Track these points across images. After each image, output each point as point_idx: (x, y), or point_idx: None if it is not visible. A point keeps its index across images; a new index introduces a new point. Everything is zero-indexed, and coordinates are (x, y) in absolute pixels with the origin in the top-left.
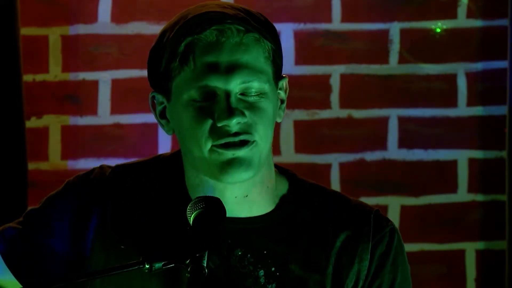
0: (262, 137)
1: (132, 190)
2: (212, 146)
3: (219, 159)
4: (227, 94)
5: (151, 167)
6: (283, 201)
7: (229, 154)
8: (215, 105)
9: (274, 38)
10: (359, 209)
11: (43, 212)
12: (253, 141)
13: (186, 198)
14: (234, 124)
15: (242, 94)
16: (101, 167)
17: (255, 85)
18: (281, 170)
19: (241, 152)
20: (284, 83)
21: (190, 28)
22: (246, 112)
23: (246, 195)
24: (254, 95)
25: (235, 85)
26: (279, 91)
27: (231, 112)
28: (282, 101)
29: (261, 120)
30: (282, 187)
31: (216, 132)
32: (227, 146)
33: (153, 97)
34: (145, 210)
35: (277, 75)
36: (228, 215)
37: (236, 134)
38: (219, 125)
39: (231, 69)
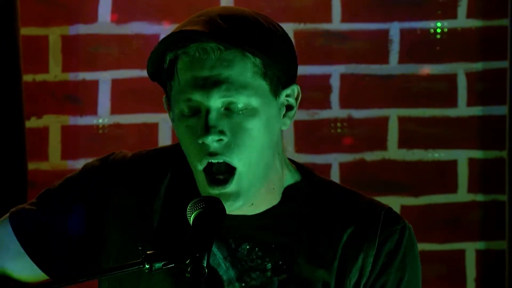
0: (246, 163)
1: (149, 179)
2: (201, 170)
3: (206, 192)
4: (207, 110)
5: (169, 157)
6: (290, 195)
7: (215, 191)
8: (198, 120)
9: (267, 49)
10: (369, 205)
11: (60, 194)
12: (234, 170)
13: (197, 193)
14: (210, 141)
15: (227, 109)
16: (121, 152)
17: (239, 99)
18: (297, 166)
19: (226, 189)
20: (294, 90)
21: (170, 43)
22: (228, 132)
23: (251, 204)
24: (240, 111)
25: (215, 100)
26: (287, 98)
27: (207, 130)
28: (290, 108)
29: (244, 142)
30: (291, 182)
31: (198, 150)
32: (212, 181)
33: (166, 101)
34: (160, 201)
35: (278, 85)
36: (235, 213)
37: (213, 154)
38: (199, 141)
39: (211, 85)
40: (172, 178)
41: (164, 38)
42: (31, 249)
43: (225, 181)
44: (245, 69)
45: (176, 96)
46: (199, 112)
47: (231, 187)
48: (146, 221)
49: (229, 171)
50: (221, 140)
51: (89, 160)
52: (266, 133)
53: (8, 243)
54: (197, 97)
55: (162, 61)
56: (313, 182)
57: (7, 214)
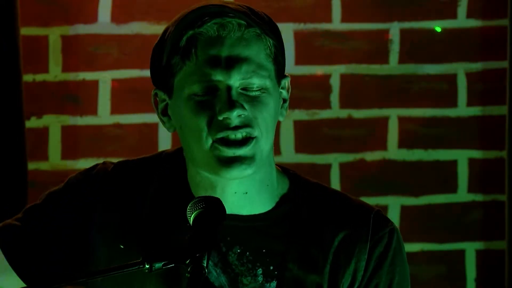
0: (263, 132)
1: (134, 187)
2: (213, 142)
3: (220, 155)
4: (228, 88)
5: (154, 164)
6: (283, 199)
7: (230, 152)
8: (216, 98)
9: (276, 36)
10: (359, 208)
11: (44, 209)
12: (254, 138)
13: (189, 195)
14: (235, 116)
15: (244, 89)
16: (104, 163)
17: (256, 80)
18: (283, 169)
19: (241, 151)
20: (286, 82)
21: (191, 22)
22: (247, 106)
23: (245, 192)
24: (256, 90)
25: (236, 80)
26: (281, 90)
27: (232, 104)
28: (284, 100)
29: (262, 114)
30: (283, 186)
31: (216, 126)
32: (228, 144)
33: (156, 94)
34: (147, 207)
35: (279, 74)
36: (228, 212)
37: (236, 127)
38: (220, 118)
39: (232, 64)
40: (158, 185)
41: (185, 17)
42: (17, 264)
43: (243, 143)
44: (260, 50)
45: (190, 77)
46: (216, 91)
47: (247, 150)
48: (133, 230)
49: (247, 140)
50: (242, 115)
51: (89, 160)
52: (274, 113)
53: None
54: (217, 76)
55: (178, 41)
56: (301, 185)
57: None
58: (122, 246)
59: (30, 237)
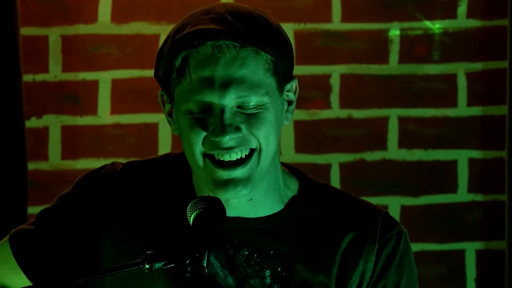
0: (263, 142)
1: (142, 188)
2: (205, 157)
3: (215, 177)
4: (222, 109)
5: (161, 165)
6: (292, 201)
7: (225, 175)
8: (210, 118)
9: (276, 46)
10: (367, 210)
11: (54, 212)
12: (249, 157)
13: (194, 197)
14: (227, 141)
15: (240, 107)
16: (113, 163)
17: (253, 99)
18: (292, 169)
19: (237, 173)
20: (293, 84)
21: (185, 42)
22: (243, 126)
23: (250, 199)
24: (252, 108)
25: (230, 100)
26: (287, 93)
27: (223, 129)
28: (290, 103)
29: (260, 129)
30: (292, 187)
31: (209, 143)
32: (223, 165)
33: (162, 95)
34: (154, 208)
35: (282, 83)
36: (235, 215)
37: (231, 148)
38: (212, 139)
39: (226, 84)
40: (163, 188)
41: (179, 38)
42: (28, 269)
43: (239, 163)
44: (258, 67)
45: (185, 95)
46: (211, 110)
47: (244, 170)
48: (141, 231)
49: (245, 156)
50: (236, 138)
51: (89, 160)
52: (275, 125)
53: (8, 263)
54: (211, 97)
55: (172, 59)
56: (310, 186)
57: (8, 235)
58: (136, 249)
59: (42, 241)
